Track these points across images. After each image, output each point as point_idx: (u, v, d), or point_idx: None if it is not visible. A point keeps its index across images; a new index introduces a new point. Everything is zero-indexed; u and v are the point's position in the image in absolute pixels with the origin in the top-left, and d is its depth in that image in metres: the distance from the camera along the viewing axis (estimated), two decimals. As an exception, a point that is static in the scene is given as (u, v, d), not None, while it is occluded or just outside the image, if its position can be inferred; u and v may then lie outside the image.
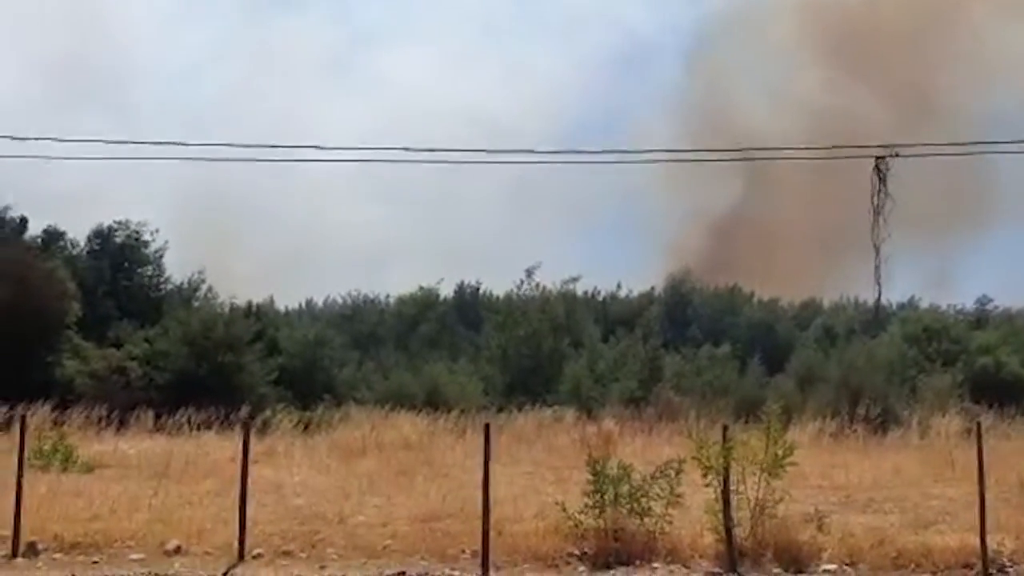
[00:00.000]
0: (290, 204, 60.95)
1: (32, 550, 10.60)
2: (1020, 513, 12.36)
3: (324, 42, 74.76)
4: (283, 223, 61.87)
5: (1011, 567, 10.71)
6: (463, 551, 10.81)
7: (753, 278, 47.90)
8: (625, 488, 10.95)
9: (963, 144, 18.87)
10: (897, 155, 13.96)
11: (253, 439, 18.89)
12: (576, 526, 10.90)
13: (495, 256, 63.07)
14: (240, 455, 11.25)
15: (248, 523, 10.76)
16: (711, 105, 62.87)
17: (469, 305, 43.30)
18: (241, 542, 10.62)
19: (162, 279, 32.88)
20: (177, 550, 10.74)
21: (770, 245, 53.08)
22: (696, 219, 58.50)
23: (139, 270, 32.53)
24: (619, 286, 46.43)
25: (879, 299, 16.55)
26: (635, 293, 46.42)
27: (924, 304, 44.12)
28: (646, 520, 10.89)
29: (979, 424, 12.27)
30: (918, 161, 14.29)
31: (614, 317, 41.52)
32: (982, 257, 64.36)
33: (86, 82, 68.50)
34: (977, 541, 10.70)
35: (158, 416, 21.69)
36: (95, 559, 10.49)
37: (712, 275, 47.83)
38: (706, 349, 35.35)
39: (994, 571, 10.54)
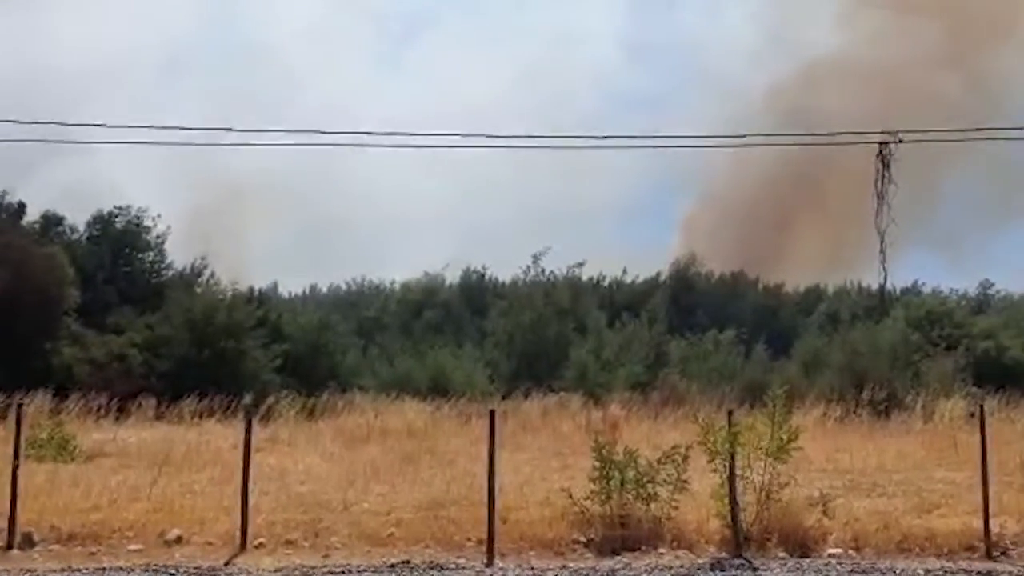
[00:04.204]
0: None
1: (28, 541, 10.39)
2: (1022, 496, 12.33)
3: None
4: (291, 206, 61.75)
5: (1014, 549, 10.71)
6: (468, 539, 10.73)
7: (761, 262, 47.94)
8: (631, 474, 10.89)
9: (965, 131, 18.69)
10: (900, 141, 13.90)
11: (256, 427, 18.83)
12: (582, 513, 10.85)
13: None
14: (242, 443, 11.15)
15: (250, 512, 10.62)
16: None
17: (475, 291, 43.24)
18: (243, 531, 10.51)
19: (164, 265, 32.62)
20: (178, 540, 10.60)
21: (777, 228, 53.01)
22: (708, 201, 58.46)
23: (140, 256, 32.27)
24: (624, 271, 46.45)
25: (884, 284, 16.52)
26: (640, 279, 46.45)
27: (927, 289, 44.18)
28: (652, 506, 10.84)
29: (982, 408, 12.22)
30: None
31: (620, 302, 41.51)
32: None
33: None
34: (980, 524, 10.70)
35: (159, 404, 21.61)
36: (93, 550, 10.32)
37: (722, 258, 47.85)
38: (711, 334, 35.32)
39: (997, 553, 10.53)
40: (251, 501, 10.70)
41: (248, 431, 11.12)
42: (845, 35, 66.78)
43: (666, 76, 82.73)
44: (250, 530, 10.57)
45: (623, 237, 67.81)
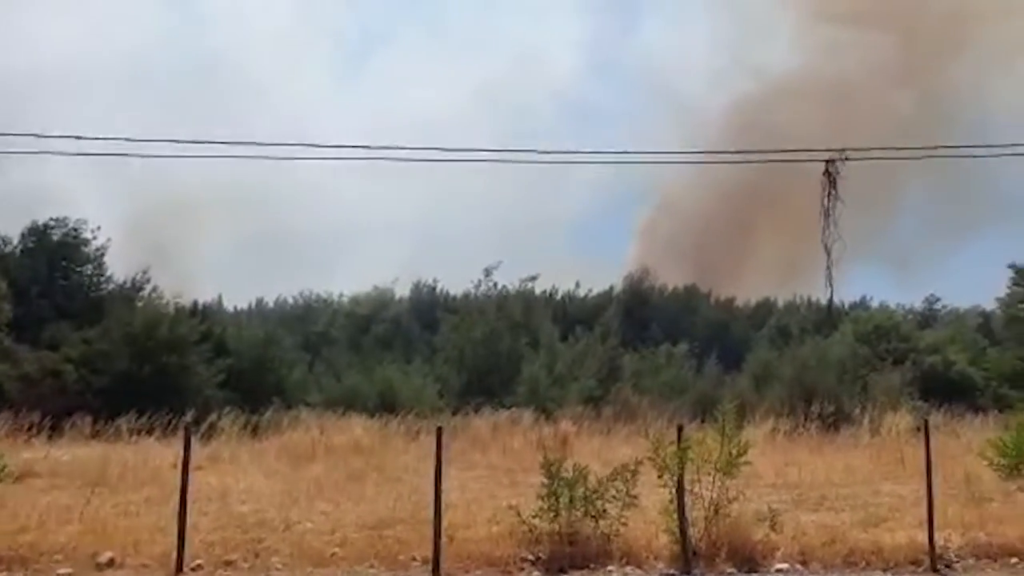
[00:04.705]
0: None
1: (-50, 566, 9.97)
2: (967, 509, 12.51)
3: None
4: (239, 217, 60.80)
5: (958, 562, 10.86)
6: (413, 558, 10.58)
7: (718, 272, 48.51)
8: (580, 491, 10.82)
9: (913, 148, 19.02)
10: (847, 158, 14.09)
11: (198, 444, 18.49)
12: (530, 530, 10.76)
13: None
14: (181, 461, 10.78)
15: (188, 532, 10.33)
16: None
17: (425, 305, 42.89)
18: (179, 553, 10.17)
19: (103, 278, 31.65)
20: (110, 563, 10.26)
21: (734, 240, 53.78)
22: (665, 209, 59.05)
23: (78, 269, 31.33)
24: (577, 285, 46.57)
25: (831, 299, 16.71)
26: (594, 292, 46.61)
27: (875, 303, 45.04)
28: (601, 523, 10.80)
29: (927, 422, 12.38)
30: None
31: (573, 316, 41.55)
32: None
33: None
34: (925, 538, 10.81)
35: (95, 421, 20.83)
36: (20, 575, 9.94)
37: (679, 266, 48.31)
38: (664, 348, 35.47)
39: (942, 567, 10.65)
40: (189, 521, 10.41)
41: (187, 449, 10.78)
42: (802, 53, 68.18)
43: (625, 92, 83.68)
44: (187, 552, 10.25)
45: (579, 249, 68.20)
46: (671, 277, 48.75)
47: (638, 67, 79.10)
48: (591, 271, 56.82)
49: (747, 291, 49.37)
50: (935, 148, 17.35)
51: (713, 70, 74.82)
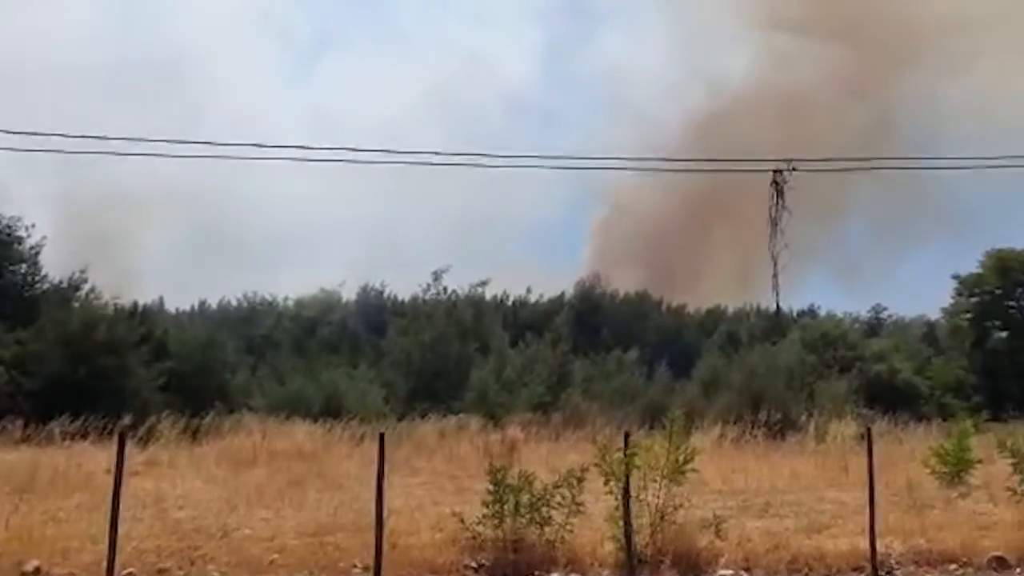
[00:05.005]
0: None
1: None
2: (909, 516, 12.64)
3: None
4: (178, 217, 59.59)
5: (899, 569, 10.97)
6: (355, 565, 10.38)
7: (672, 278, 48.86)
8: (525, 497, 10.71)
9: (859, 159, 19.37)
10: (794, 169, 14.25)
11: (135, 449, 18.02)
12: (474, 537, 10.64)
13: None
14: (114, 465, 10.38)
15: (120, 540, 9.93)
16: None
17: (373, 308, 42.35)
18: (111, 561, 9.78)
19: (38, 278, 30.65)
20: (36, 571, 9.90)
21: (688, 246, 54.28)
22: (619, 212, 59.31)
23: (11, 268, 30.28)
24: (529, 290, 46.48)
25: (777, 307, 16.89)
26: (545, 298, 46.56)
27: (823, 312, 45.75)
28: (546, 529, 10.71)
29: (869, 430, 12.52)
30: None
31: (524, 322, 41.43)
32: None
33: None
34: (867, 544, 10.88)
35: (27, 425, 20.03)
36: (-62, 585, 9.53)
37: (633, 269, 48.53)
38: (615, 354, 35.50)
39: (883, 573, 10.75)
40: (123, 528, 10.04)
41: (121, 452, 10.37)
42: (756, 63, 69.27)
43: (580, 99, 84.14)
44: (119, 559, 9.87)
45: (534, 253, 68.20)
46: (625, 281, 49.02)
47: (594, 74, 79.59)
48: (546, 274, 56.90)
49: (702, 297, 49.83)
50: (881, 159, 17.66)
51: (668, 80, 75.59)
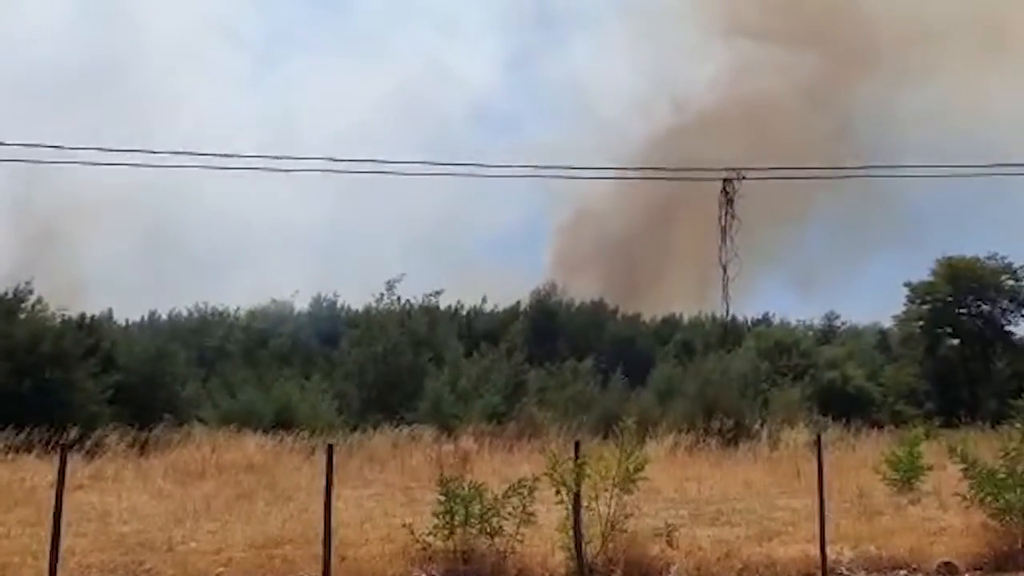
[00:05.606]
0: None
1: None
2: (859, 523, 12.76)
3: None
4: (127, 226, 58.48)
5: (849, 575, 11.00)
6: (303, 578, 10.14)
7: (633, 287, 49.11)
8: (476, 508, 10.67)
9: (808, 168, 19.66)
10: (744, 178, 14.41)
11: (81, 462, 17.60)
12: (424, 548, 10.57)
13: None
14: (56, 479, 10.12)
15: (61, 555, 9.72)
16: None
17: (325, 319, 41.84)
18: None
19: (-20, 290, 29.71)
20: (-27, 589, 9.55)
21: (649, 254, 54.65)
22: (582, 217, 59.51)
23: (-49, 279, 29.37)
24: (484, 300, 46.33)
25: (728, 315, 17.04)
26: (500, 308, 46.47)
27: (777, 320, 46.32)
28: (497, 540, 10.66)
29: (819, 437, 12.64)
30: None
31: (479, 332, 41.26)
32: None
33: None
34: (818, 551, 10.93)
35: (-33, 440, 19.42)
36: None
37: (594, 275, 48.66)
38: (570, 364, 35.50)
39: (833, 580, 10.77)
40: (66, 543, 9.88)
41: (63, 465, 10.13)
42: (720, 72, 70.03)
43: (545, 108, 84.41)
44: (61, 574, 9.61)
45: (493, 260, 68.09)
46: (585, 286, 49.16)
47: (559, 84, 79.95)
48: (507, 280, 56.82)
49: (662, 305, 50.12)
50: (829, 168, 17.94)
51: (633, 89, 76.15)
